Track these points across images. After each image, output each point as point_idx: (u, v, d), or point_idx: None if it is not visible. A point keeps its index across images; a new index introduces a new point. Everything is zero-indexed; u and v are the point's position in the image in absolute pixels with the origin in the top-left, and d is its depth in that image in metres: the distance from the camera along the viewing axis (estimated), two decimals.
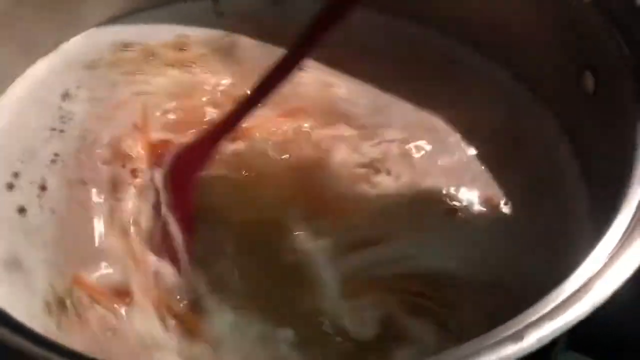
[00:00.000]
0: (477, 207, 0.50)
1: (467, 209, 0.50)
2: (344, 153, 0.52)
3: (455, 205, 0.50)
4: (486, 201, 0.51)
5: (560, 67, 0.52)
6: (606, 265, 0.35)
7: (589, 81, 0.48)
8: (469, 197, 0.51)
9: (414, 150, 0.53)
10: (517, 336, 0.32)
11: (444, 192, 0.51)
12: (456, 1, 0.58)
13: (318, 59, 0.56)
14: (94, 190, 0.49)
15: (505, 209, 0.50)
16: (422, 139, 0.54)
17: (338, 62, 0.57)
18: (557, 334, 0.32)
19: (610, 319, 0.35)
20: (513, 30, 0.56)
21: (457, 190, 0.51)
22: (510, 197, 0.51)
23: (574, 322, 0.32)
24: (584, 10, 0.48)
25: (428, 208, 0.50)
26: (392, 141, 0.53)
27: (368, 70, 0.57)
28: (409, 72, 0.57)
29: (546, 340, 0.32)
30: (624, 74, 0.45)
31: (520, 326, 0.32)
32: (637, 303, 0.37)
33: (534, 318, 0.33)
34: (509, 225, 0.49)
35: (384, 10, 0.60)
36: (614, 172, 0.42)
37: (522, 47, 0.55)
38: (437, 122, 0.55)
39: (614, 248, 0.36)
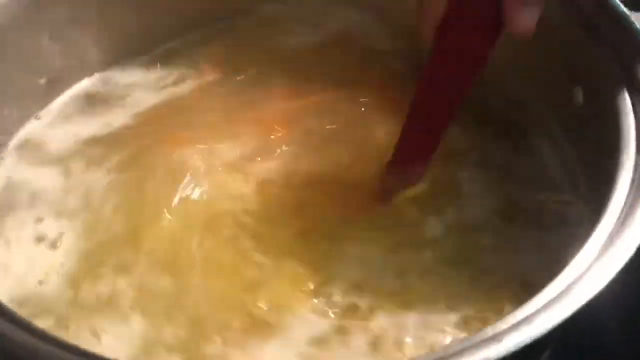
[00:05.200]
0: None
1: None
2: None
3: None
4: None
5: (551, 83, 0.53)
6: (586, 271, 0.35)
7: (579, 95, 0.49)
8: None
9: None
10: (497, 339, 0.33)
11: None
12: None
13: None
14: None
15: None
16: None
17: None
18: (534, 337, 0.33)
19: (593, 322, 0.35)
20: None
21: None
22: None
23: (550, 327, 0.33)
24: (573, 29, 0.49)
25: None
26: None
27: None
28: None
29: (523, 344, 0.32)
30: (613, 89, 0.46)
31: (500, 329, 0.33)
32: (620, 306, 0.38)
33: (514, 322, 0.34)
34: None
35: None
36: (599, 178, 0.43)
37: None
38: None
39: (596, 253, 0.36)
